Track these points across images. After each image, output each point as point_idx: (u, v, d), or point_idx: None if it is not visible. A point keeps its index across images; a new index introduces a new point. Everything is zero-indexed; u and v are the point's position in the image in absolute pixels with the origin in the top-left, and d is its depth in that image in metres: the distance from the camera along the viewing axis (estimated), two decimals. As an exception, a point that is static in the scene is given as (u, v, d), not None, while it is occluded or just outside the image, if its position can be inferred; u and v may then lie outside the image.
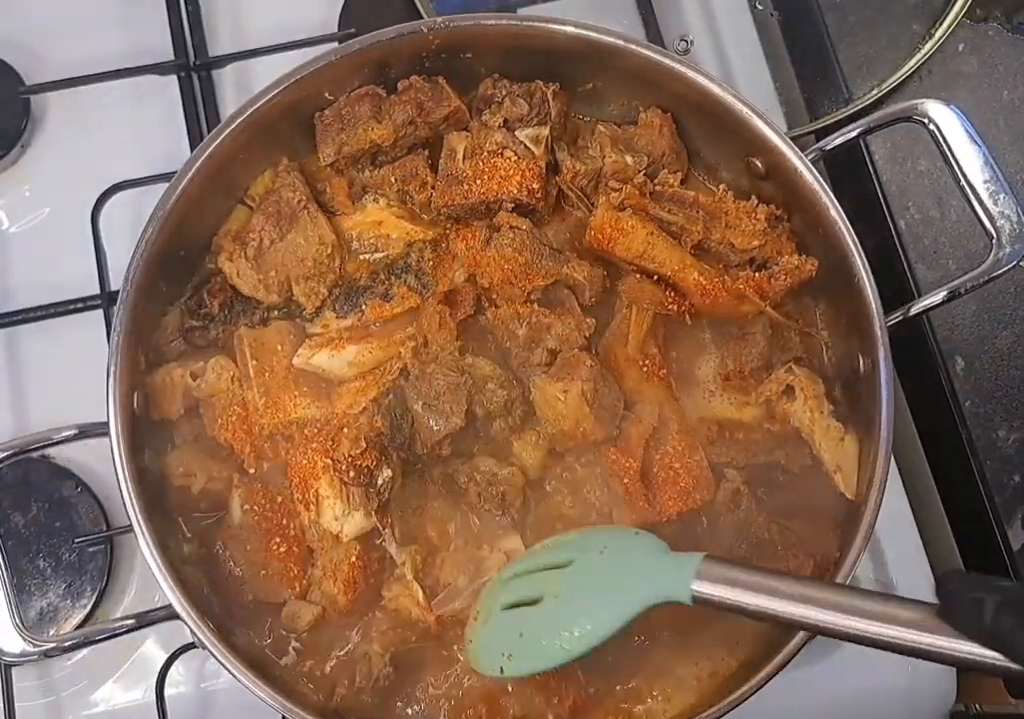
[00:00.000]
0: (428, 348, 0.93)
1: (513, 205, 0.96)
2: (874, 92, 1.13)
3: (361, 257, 0.99)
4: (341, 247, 0.98)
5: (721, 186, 0.97)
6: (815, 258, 0.93)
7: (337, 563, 0.88)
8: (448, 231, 0.99)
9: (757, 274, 0.93)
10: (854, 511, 0.88)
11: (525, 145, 0.96)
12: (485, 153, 0.96)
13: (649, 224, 0.94)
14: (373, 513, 0.88)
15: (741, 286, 0.92)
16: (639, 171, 0.98)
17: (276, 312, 0.97)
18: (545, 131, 0.97)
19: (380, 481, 0.89)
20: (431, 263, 0.97)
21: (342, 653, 0.90)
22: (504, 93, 0.98)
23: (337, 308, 0.96)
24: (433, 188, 0.98)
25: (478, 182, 0.95)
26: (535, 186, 0.95)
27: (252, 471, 0.92)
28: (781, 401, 0.92)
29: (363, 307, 0.96)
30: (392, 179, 0.99)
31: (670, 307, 0.95)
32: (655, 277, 0.95)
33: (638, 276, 0.96)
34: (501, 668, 0.81)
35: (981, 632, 0.61)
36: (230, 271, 0.95)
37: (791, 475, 0.93)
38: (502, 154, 0.96)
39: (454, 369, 0.91)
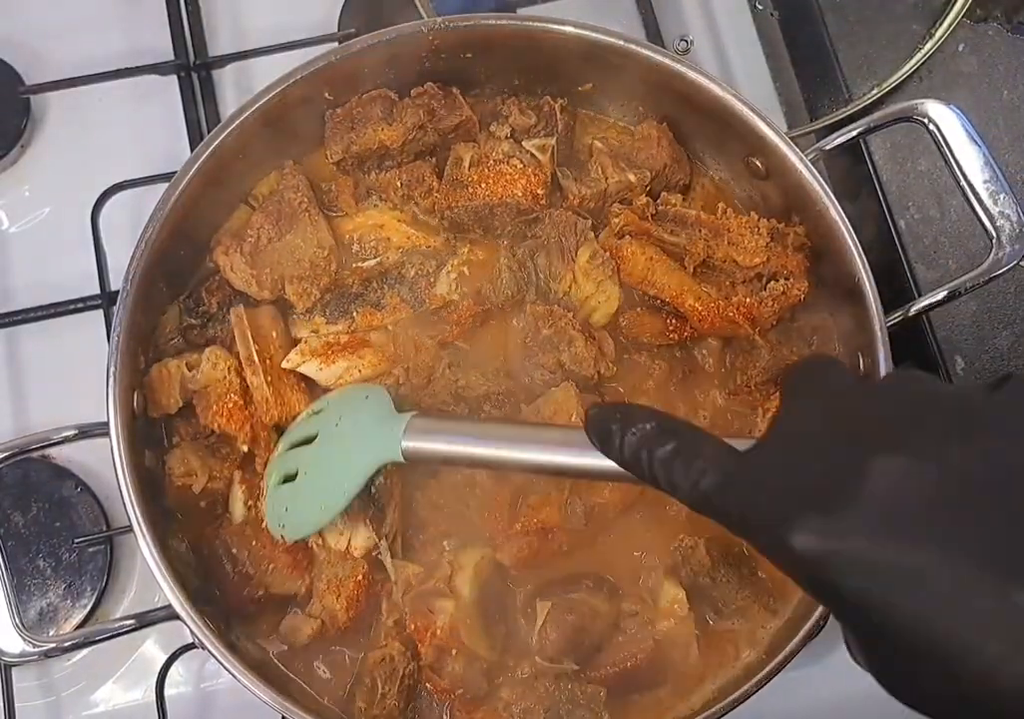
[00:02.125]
0: (415, 374, 0.92)
1: (517, 211, 0.96)
2: (874, 92, 1.13)
3: (355, 265, 0.99)
4: (338, 252, 0.98)
5: (721, 204, 0.97)
6: (806, 281, 0.93)
7: (342, 579, 0.88)
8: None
9: (748, 300, 0.92)
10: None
11: (532, 153, 0.97)
12: (491, 161, 0.96)
13: (649, 248, 0.94)
14: (369, 523, 0.88)
15: (732, 313, 0.92)
16: (644, 187, 0.98)
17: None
18: (551, 141, 0.97)
19: (372, 489, 0.88)
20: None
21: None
22: (513, 108, 0.99)
23: (328, 313, 0.96)
24: (437, 193, 0.98)
25: (483, 186, 0.95)
26: (540, 191, 0.95)
27: (246, 449, 0.91)
28: None
29: (354, 314, 0.95)
30: (397, 183, 0.99)
31: (671, 336, 0.95)
32: (658, 302, 0.95)
33: (639, 309, 0.96)
34: (282, 535, 0.87)
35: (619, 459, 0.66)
36: (224, 264, 0.95)
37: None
38: (508, 162, 0.96)
39: (450, 399, 0.91)
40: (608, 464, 0.67)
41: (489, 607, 0.89)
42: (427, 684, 0.88)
